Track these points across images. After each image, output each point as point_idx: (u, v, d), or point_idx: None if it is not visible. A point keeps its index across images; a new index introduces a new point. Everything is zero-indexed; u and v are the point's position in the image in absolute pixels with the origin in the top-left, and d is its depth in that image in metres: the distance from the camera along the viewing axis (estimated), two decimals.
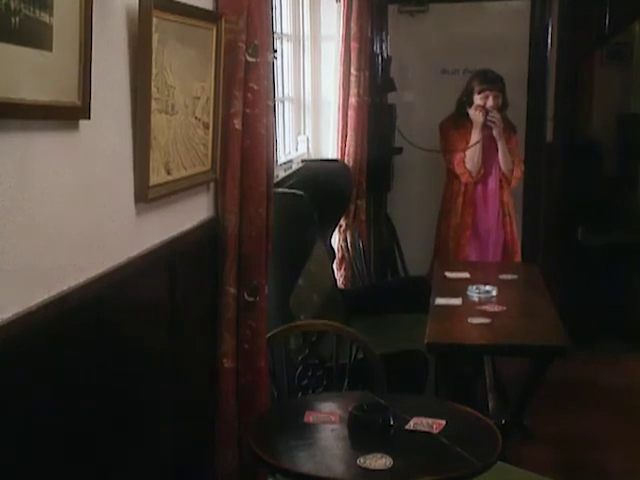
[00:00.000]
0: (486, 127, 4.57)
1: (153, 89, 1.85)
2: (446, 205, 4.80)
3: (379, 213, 5.36)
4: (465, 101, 4.65)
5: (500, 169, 4.64)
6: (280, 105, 4.13)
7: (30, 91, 1.38)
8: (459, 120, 4.67)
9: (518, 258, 4.78)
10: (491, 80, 4.59)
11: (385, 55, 5.40)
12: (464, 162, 4.62)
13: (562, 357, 3.02)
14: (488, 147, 4.61)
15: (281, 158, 4.01)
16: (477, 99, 4.59)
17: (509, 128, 4.68)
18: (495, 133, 4.57)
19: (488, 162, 4.64)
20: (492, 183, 4.67)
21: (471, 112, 4.61)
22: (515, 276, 3.98)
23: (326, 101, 4.60)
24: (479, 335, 3.18)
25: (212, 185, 2.41)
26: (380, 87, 5.23)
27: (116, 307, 1.78)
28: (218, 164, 2.31)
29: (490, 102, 4.56)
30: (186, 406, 2.26)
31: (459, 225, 4.70)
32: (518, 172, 4.69)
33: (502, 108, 4.60)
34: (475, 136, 4.59)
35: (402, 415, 2.23)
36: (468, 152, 4.60)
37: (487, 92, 4.57)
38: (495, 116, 4.55)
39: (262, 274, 2.47)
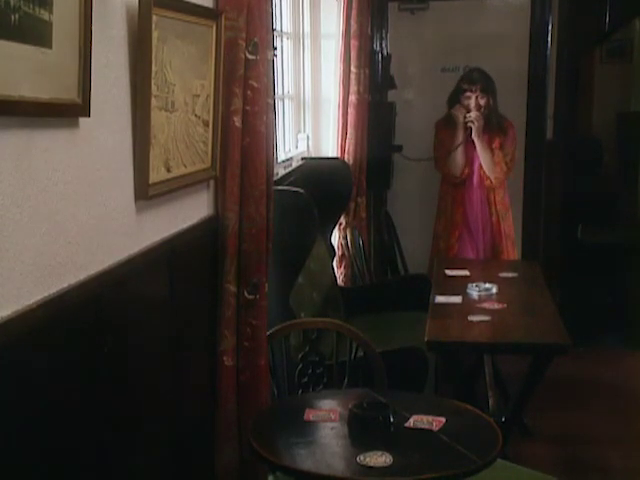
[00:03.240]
0: (466, 127, 4.59)
1: (153, 87, 1.85)
2: (439, 204, 4.86)
3: (379, 211, 5.37)
4: (454, 100, 4.67)
5: (482, 169, 4.64)
6: (280, 103, 4.13)
7: (30, 88, 1.38)
8: (450, 119, 4.69)
9: (511, 257, 4.76)
10: (474, 80, 4.61)
11: (385, 53, 5.40)
12: (447, 162, 4.67)
13: (562, 355, 3.02)
14: (472, 147, 4.62)
15: (281, 156, 4.00)
16: (462, 99, 4.62)
17: (498, 128, 4.65)
18: (473, 133, 4.57)
19: (471, 161, 4.65)
20: (476, 182, 4.68)
21: (453, 112, 4.66)
22: (515, 274, 3.98)
23: (326, 99, 4.60)
24: (479, 333, 3.18)
25: (212, 183, 2.41)
26: (380, 85, 5.23)
27: (116, 305, 1.78)
28: (218, 162, 2.31)
29: (472, 102, 4.58)
30: (186, 403, 2.26)
31: (449, 224, 4.74)
32: (499, 172, 4.61)
33: (487, 108, 4.58)
34: (459, 137, 4.63)
35: (402, 413, 2.23)
36: (452, 153, 4.64)
37: (469, 93, 4.60)
38: (472, 116, 4.56)
39: (262, 272, 2.47)
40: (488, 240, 4.71)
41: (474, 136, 4.57)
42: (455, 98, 4.67)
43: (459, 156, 4.64)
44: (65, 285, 1.56)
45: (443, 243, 4.75)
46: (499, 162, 4.61)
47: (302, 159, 4.29)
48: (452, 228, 4.73)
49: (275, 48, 3.26)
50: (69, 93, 1.51)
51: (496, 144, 4.61)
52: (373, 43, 5.08)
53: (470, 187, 4.69)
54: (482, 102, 4.58)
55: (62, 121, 1.55)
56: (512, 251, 4.76)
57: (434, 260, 4.47)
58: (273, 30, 2.66)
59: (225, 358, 2.40)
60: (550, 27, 5.36)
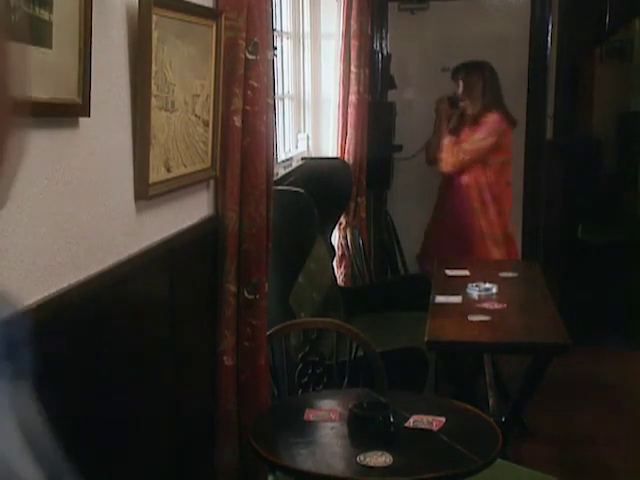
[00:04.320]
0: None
1: (153, 86, 1.85)
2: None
3: (379, 211, 5.37)
4: None
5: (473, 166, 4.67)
6: (280, 103, 4.13)
7: (30, 88, 1.37)
8: None
9: (492, 256, 4.71)
10: (456, 69, 4.77)
11: (385, 53, 5.40)
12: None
13: (562, 355, 3.02)
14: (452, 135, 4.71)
15: (281, 156, 4.00)
16: None
17: (472, 118, 4.68)
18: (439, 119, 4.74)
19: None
20: (464, 178, 4.69)
21: None
22: (515, 274, 3.97)
23: (326, 99, 4.60)
24: (479, 333, 3.18)
25: (212, 183, 2.41)
26: (380, 85, 5.23)
27: (116, 305, 1.78)
28: (218, 162, 2.31)
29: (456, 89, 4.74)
30: (186, 403, 2.26)
31: (432, 222, 4.85)
32: (446, 155, 4.64)
33: (467, 92, 4.66)
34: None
35: (402, 413, 2.23)
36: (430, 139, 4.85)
37: (454, 81, 4.74)
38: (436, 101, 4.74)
39: (262, 272, 2.47)
40: (461, 237, 4.66)
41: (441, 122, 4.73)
42: None
43: (433, 141, 4.78)
44: (65, 285, 1.56)
45: (427, 240, 4.84)
46: (450, 145, 4.63)
47: (302, 159, 4.29)
48: (434, 225, 4.85)
49: (275, 48, 3.27)
50: (69, 93, 1.51)
51: (466, 134, 4.65)
52: (373, 43, 5.08)
53: (459, 182, 4.72)
54: (458, 89, 4.71)
55: (62, 121, 1.55)
56: (493, 249, 4.66)
57: (435, 260, 4.44)
58: (273, 30, 2.66)
59: (225, 358, 2.40)
60: (550, 27, 5.36)
